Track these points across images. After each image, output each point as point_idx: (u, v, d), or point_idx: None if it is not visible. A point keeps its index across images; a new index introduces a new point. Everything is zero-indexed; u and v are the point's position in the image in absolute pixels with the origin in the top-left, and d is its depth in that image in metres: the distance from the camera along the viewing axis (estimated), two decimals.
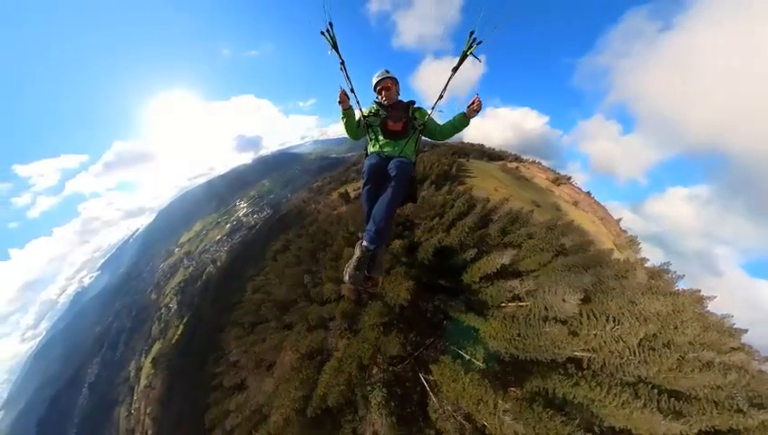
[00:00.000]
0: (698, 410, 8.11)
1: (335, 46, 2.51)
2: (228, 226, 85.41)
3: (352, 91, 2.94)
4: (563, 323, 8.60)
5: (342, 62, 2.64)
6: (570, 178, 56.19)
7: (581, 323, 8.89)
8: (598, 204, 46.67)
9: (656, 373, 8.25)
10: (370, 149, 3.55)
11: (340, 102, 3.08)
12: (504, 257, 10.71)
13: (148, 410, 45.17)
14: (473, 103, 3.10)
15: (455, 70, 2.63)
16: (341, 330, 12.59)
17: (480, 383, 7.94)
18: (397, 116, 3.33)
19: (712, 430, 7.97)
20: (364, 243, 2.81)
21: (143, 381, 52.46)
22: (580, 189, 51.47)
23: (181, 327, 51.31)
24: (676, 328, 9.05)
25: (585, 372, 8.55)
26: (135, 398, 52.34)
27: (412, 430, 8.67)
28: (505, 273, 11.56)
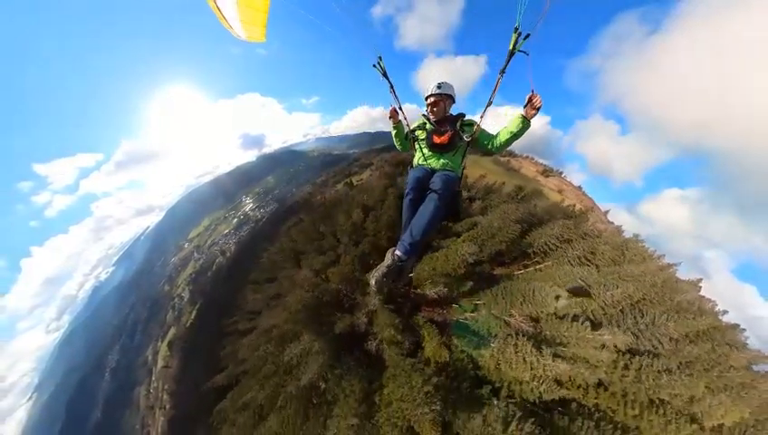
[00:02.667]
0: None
1: (385, 75, 2.93)
2: (235, 220, 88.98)
3: (400, 108, 3.27)
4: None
5: (392, 86, 2.97)
6: (561, 173, 57.84)
7: (533, 236, 12.07)
8: (585, 195, 48.44)
9: (603, 271, 10.91)
10: (416, 161, 3.59)
11: (390, 118, 3.36)
12: (466, 194, 14.58)
13: (165, 387, 49.23)
14: (530, 100, 2.71)
15: (502, 71, 2.49)
16: (349, 244, 15.36)
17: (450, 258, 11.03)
18: (443, 129, 3.30)
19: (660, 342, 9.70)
20: (397, 252, 2.72)
21: (160, 363, 56.57)
22: (569, 182, 53.17)
23: (194, 312, 55.04)
24: (630, 261, 11.65)
25: (544, 267, 11.37)
26: (153, 378, 56.54)
27: (404, 333, 11.27)
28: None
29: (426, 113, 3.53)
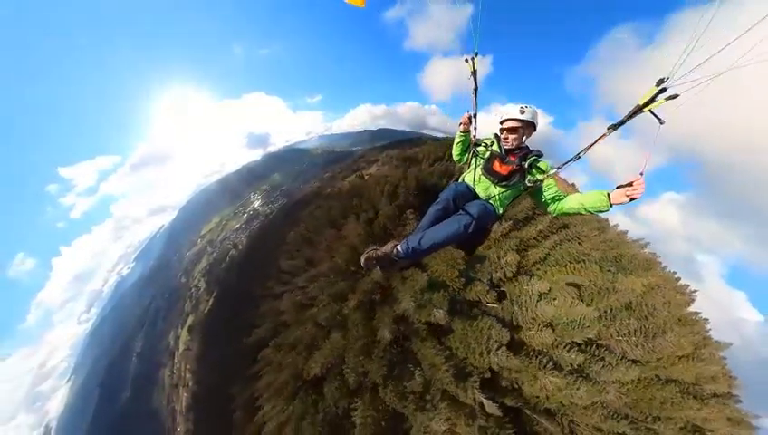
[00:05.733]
0: None
1: (474, 74, 2.73)
2: (245, 216, 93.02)
3: (475, 116, 2.96)
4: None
5: (476, 89, 2.78)
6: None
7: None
8: (576, 191, 50.03)
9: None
10: (463, 177, 3.31)
11: (461, 123, 3.13)
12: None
13: (188, 367, 54.17)
14: (630, 184, 2.09)
15: (614, 127, 1.99)
16: (386, 204, 19.49)
17: None
18: (509, 160, 2.89)
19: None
20: (399, 247, 2.59)
21: (182, 347, 61.73)
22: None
23: (211, 300, 59.59)
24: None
25: None
26: (176, 360, 61.86)
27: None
28: None
29: (498, 134, 3.04)
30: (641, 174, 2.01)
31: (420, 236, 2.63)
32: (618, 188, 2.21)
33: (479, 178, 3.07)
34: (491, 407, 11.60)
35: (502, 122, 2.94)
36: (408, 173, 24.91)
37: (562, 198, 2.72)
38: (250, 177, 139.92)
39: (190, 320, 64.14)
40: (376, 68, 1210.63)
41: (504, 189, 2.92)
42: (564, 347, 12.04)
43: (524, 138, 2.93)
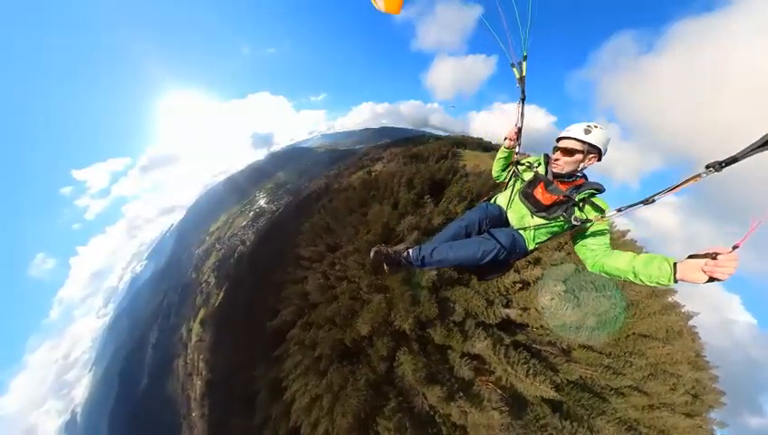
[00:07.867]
0: None
1: (521, 80, 2.43)
2: (252, 213, 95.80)
3: (520, 130, 2.57)
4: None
5: (523, 99, 2.46)
6: None
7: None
8: None
9: None
10: (497, 197, 2.81)
11: (506, 138, 2.68)
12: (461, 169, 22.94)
13: (201, 357, 57.23)
14: (713, 257, 1.40)
15: (720, 165, 1.43)
16: (406, 192, 22.13)
17: None
18: (556, 188, 2.31)
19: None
20: (410, 250, 2.33)
21: (194, 338, 64.96)
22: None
23: (222, 294, 62.40)
24: None
25: None
26: (189, 351, 65.18)
27: None
28: None
29: (549, 154, 2.48)
30: (736, 247, 1.33)
31: (433, 247, 2.33)
32: (691, 258, 1.52)
33: (514, 206, 2.53)
34: (514, 314, 15.47)
35: (558, 140, 2.37)
36: (419, 168, 26.93)
37: (608, 254, 2.07)
38: (255, 176, 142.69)
39: (202, 313, 67.27)
40: (382, 67, 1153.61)
41: (542, 221, 2.31)
42: (550, 285, 16.00)
43: (581, 165, 2.30)
